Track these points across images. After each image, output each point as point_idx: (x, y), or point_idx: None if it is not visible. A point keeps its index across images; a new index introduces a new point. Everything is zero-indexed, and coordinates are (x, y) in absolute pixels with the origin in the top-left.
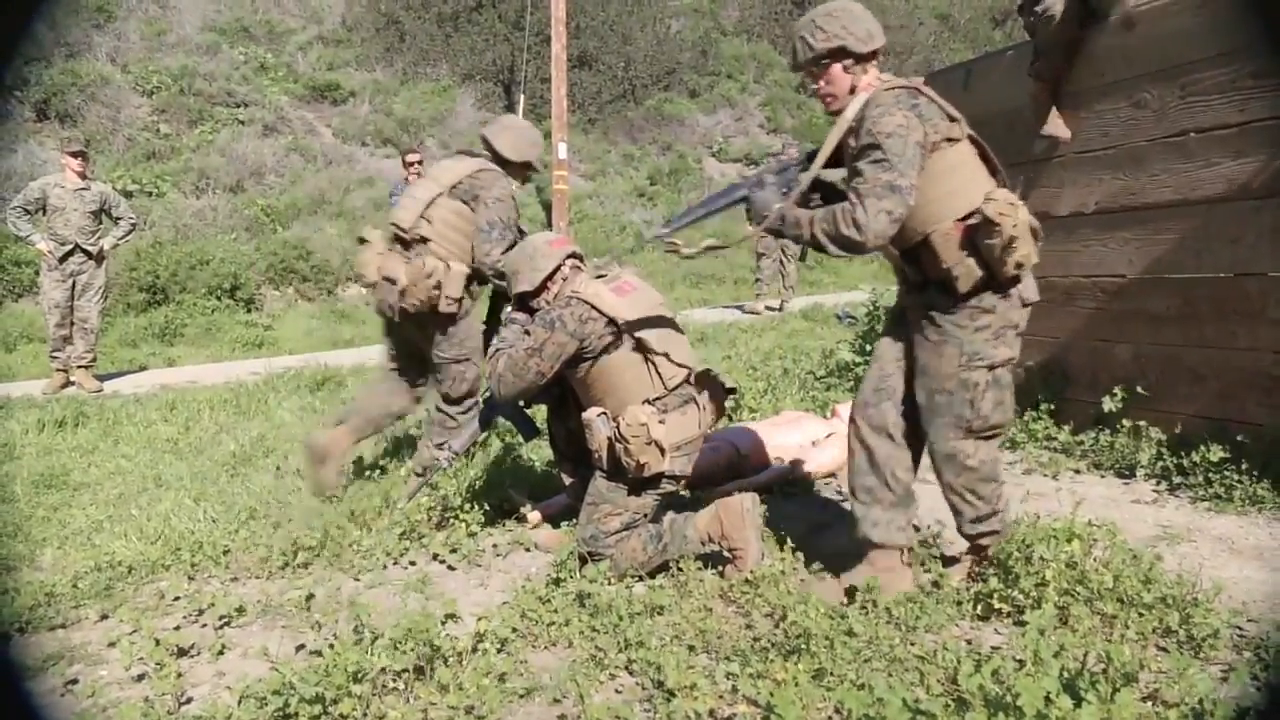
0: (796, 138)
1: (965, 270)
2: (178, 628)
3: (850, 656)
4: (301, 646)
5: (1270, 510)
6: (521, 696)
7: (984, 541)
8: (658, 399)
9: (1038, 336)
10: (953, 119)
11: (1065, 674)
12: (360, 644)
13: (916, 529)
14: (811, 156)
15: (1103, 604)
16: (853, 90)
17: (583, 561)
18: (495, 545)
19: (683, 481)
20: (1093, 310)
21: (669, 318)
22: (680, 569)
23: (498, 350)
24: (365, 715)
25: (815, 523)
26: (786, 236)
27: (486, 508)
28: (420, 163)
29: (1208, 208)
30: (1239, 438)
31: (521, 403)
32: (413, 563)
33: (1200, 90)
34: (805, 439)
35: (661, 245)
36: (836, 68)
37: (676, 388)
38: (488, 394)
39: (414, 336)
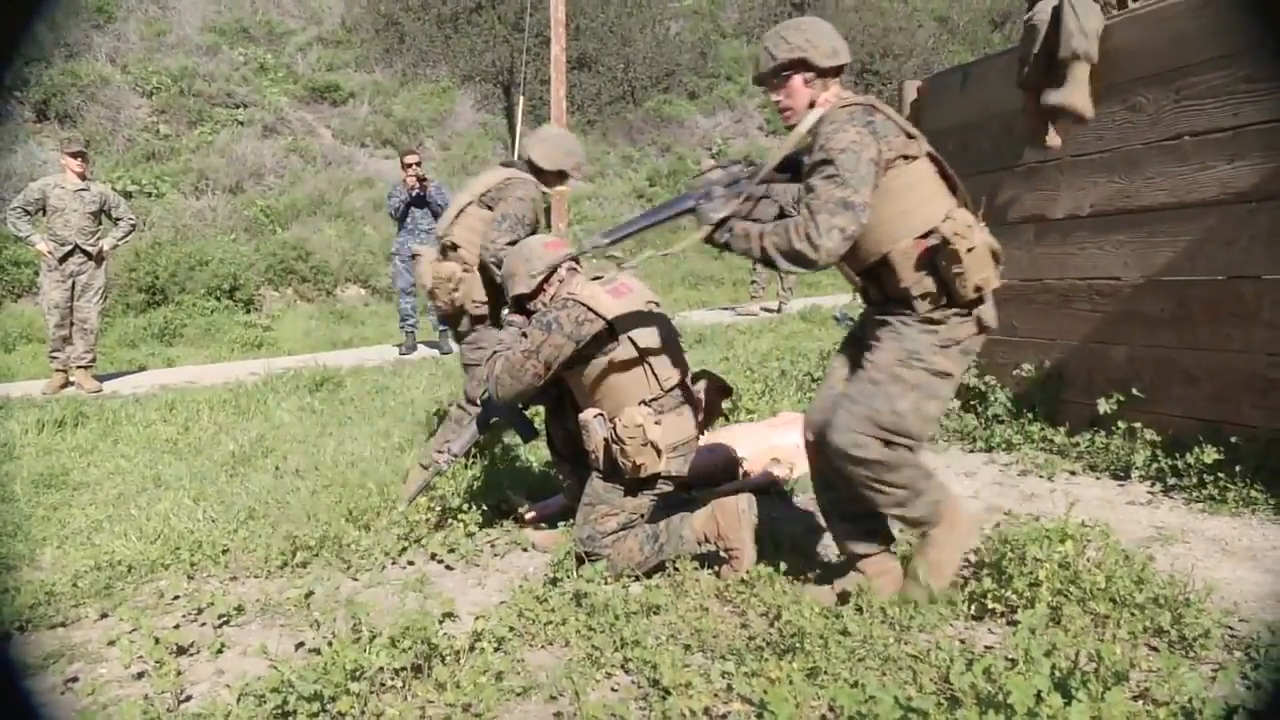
0: None
1: (923, 290)
2: (177, 626)
3: (844, 656)
4: (300, 645)
5: (1264, 512)
6: (518, 695)
7: (920, 528)
8: (654, 400)
9: (1034, 339)
10: (910, 136)
11: (1057, 673)
12: (358, 642)
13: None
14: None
15: (1095, 604)
16: (812, 105)
17: (580, 561)
18: (493, 545)
19: (678, 482)
20: (1088, 313)
21: (665, 319)
22: (676, 569)
23: (495, 353)
24: (363, 713)
25: (811, 523)
26: (734, 250)
27: (484, 508)
28: (419, 164)
29: (1202, 211)
30: (1233, 439)
31: (519, 404)
32: (411, 563)
33: (1195, 94)
34: (802, 440)
35: (600, 255)
36: (797, 80)
37: (672, 389)
38: (485, 396)
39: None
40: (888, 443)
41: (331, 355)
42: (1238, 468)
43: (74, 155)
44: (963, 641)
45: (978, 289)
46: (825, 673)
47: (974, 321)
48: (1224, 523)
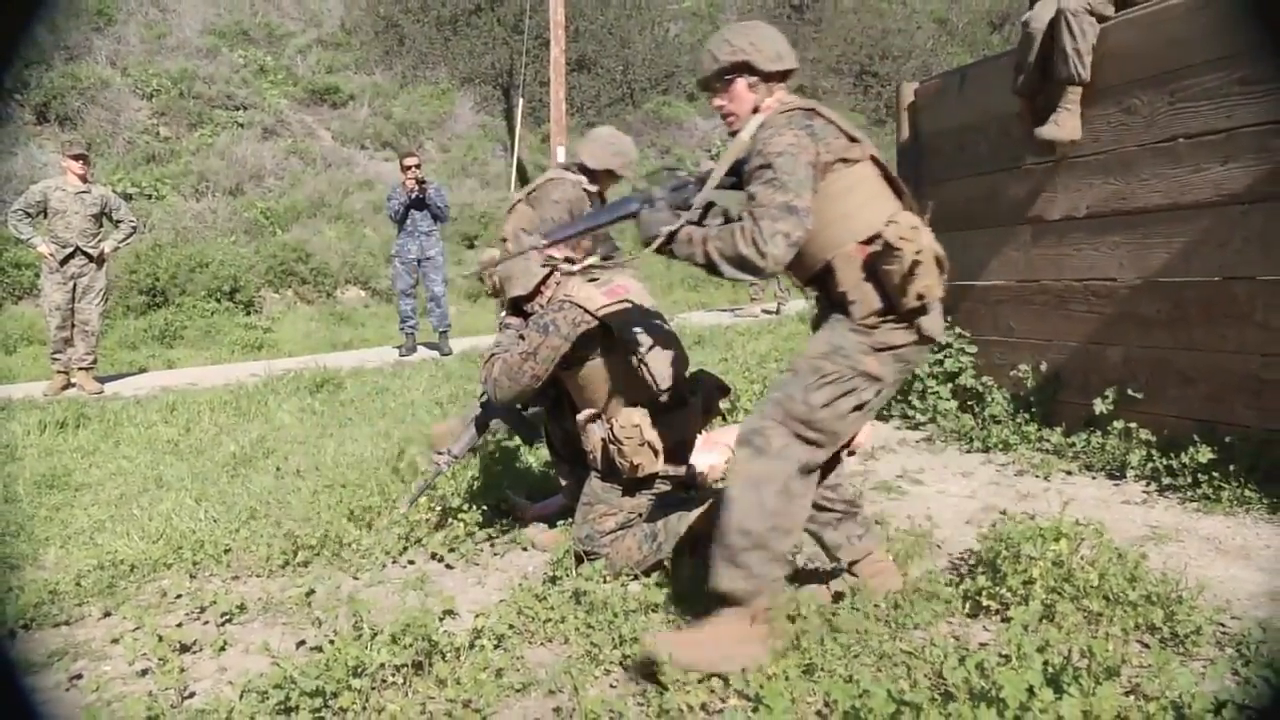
0: None
1: (862, 296)
2: (180, 624)
3: (840, 652)
4: (302, 642)
5: (1257, 511)
6: (518, 691)
7: (728, 598)
8: (651, 400)
9: (1031, 339)
10: (852, 139)
11: (1049, 668)
12: (360, 639)
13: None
14: (708, 177)
15: (1088, 601)
16: (756, 112)
17: (579, 560)
18: (493, 545)
19: (676, 482)
20: (1084, 313)
21: (662, 319)
22: (674, 567)
23: (493, 355)
24: (365, 708)
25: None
26: (677, 257)
27: (485, 508)
28: (419, 166)
29: (1196, 212)
30: (1227, 439)
31: (519, 405)
32: (411, 562)
33: (1189, 97)
34: None
35: (539, 256)
36: (740, 84)
37: (670, 389)
38: (484, 398)
39: None
40: (798, 438)
41: (332, 357)
42: (1232, 467)
43: (75, 158)
44: (957, 638)
45: (920, 297)
46: (821, 669)
47: (913, 330)
48: (1218, 522)
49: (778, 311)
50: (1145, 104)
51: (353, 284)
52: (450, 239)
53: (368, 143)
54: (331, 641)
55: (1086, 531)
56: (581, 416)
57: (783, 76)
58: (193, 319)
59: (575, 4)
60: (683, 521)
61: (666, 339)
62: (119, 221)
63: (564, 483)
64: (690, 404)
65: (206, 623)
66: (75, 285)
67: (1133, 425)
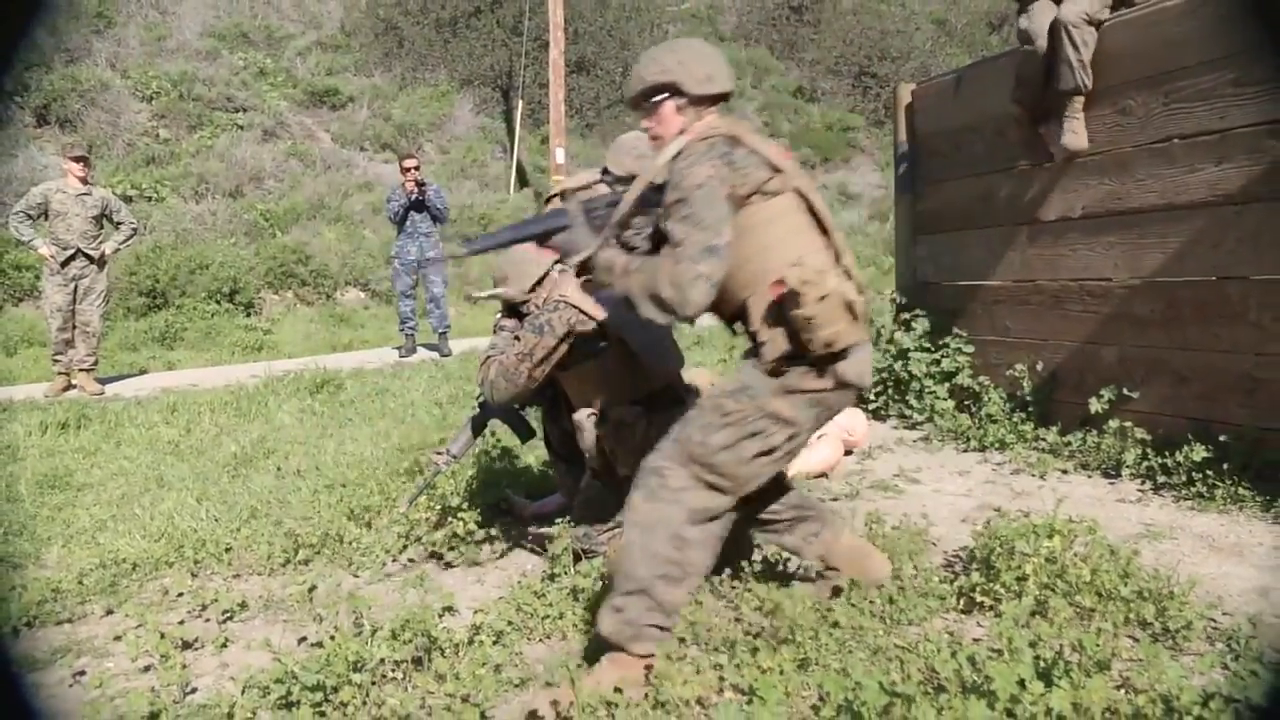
0: (793, 143)
1: (772, 338)
2: (182, 622)
3: (835, 647)
4: (303, 639)
5: (1251, 509)
6: (516, 686)
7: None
8: (647, 398)
9: (1027, 339)
10: (776, 169)
11: (1040, 662)
12: (360, 636)
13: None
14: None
15: (1080, 597)
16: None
17: (577, 558)
18: (492, 543)
19: None
20: (1080, 313)
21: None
22: None
23: (489, 357)
24: (365, 703)
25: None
26: (597, 281)
27: (484, 507)
28: (418, 168)
29: (1190, 213)
30: (1221, 438)
31: (516, 405)
32: (411, 560)
33: (1183, 98)
34: None
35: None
36: (668, 106)
37: (666, 389)
38: (480, 399)
39: None
40: (698, 481)
41: (331, 358)
42: (1226, 466)
43: (76, 160)
44: (951, 634)
45: (828, 344)
46: (815, 663)
47: (829, 377)
48: (1212, 519)
49: None
50: (1140, 105)
51: (352, 285)
52: (451, 240)
53: (367, 144)
54: (332, 638)
55: (1080, 529)
56: (578, 416)
57: (714, 100)
58: (193, 320)
59: (574, 6)
60: None
61: (662, 338)
62: (119, 223)
63: (562, 481)
64: (686, 403)
65: (208, 620)
66: (76, 287)
67: (1128, 424)
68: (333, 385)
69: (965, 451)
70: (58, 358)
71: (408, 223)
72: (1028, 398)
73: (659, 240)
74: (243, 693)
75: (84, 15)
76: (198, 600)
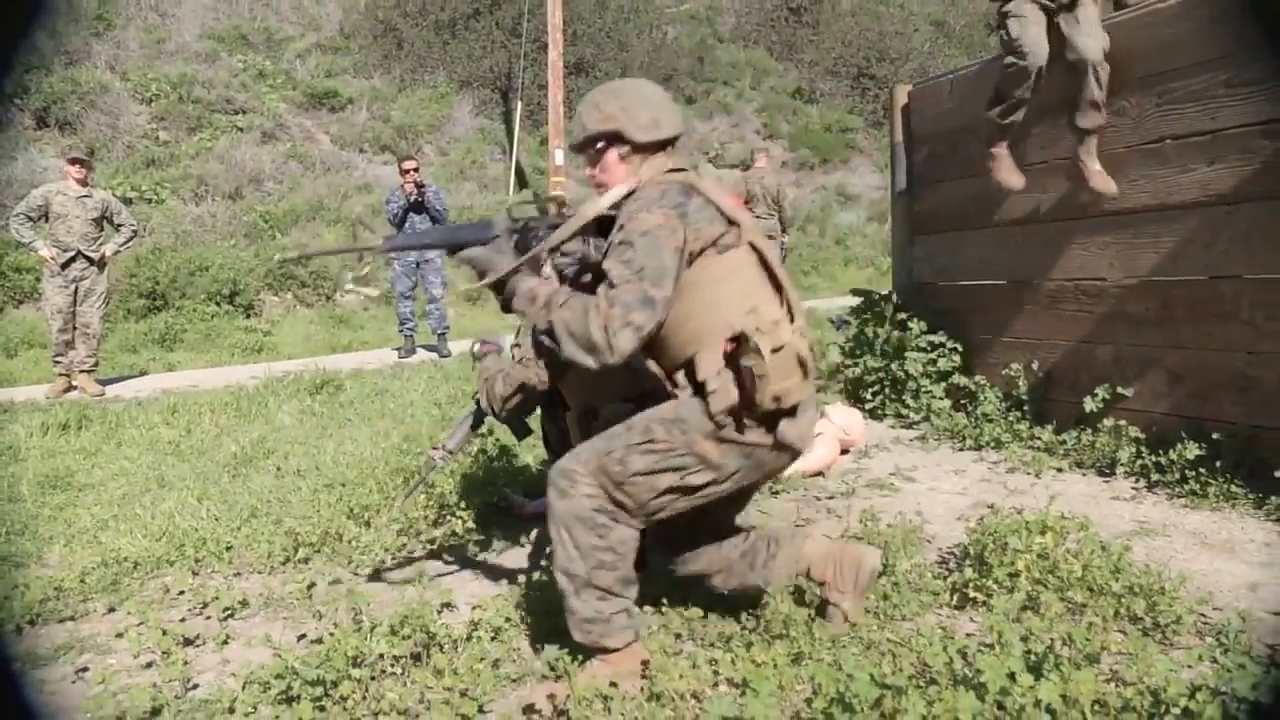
0: (792, 144)
1: (722, 386)
2: (183, 619)
3: (828, 641)
4: (303, 635)
5: (1243, 506)
6: (514, 681)
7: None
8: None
9: (1022, 339)
10: (731, 223)
11: (1031, 655)
12: (359, 631)
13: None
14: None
15: (1072, 592)
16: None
17: None
18: (491, 540)
19: None
20: (1075, 312)
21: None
22: None
23: (487, 379)
24: (364, 697)
25: (800, 519)
26: (514, 310)
27: (482, 504)
28: (417, 169)
29: (1183, 212)
30: (1214, 436)
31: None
32: (410, 557)
33: (1175, 99)
34: None
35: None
36: (612, 155)
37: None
38: (477, 398)
39: None
40: (604, 494)
41: (331, 359)
42: (1219, 463)
43: (76, 162)
44: (943, 629)
45: (776, 398)
46: (809, 657)
47: (770, 434)
48: (1205, 517)
49: None
50: (1134, 106)
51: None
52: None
53: (366, 146)
54: (332, 634)
55: (1072, 525)
56: (572, 416)
57: (660, 146)
58: (193, 322)
59: (573, 7)
60: None
61: None
62: (119, 225)
63: None
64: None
65: (209, 617)
66: (76, 289)
67: (1122, 423)
68: (332, 386)
69: (961, 450)
70: (58, 359)
71: (407, 224)
72: (1023, 397)
73: (591, 272)
74: (244, 688)
75: (83, 18)
76: (199, 598)
